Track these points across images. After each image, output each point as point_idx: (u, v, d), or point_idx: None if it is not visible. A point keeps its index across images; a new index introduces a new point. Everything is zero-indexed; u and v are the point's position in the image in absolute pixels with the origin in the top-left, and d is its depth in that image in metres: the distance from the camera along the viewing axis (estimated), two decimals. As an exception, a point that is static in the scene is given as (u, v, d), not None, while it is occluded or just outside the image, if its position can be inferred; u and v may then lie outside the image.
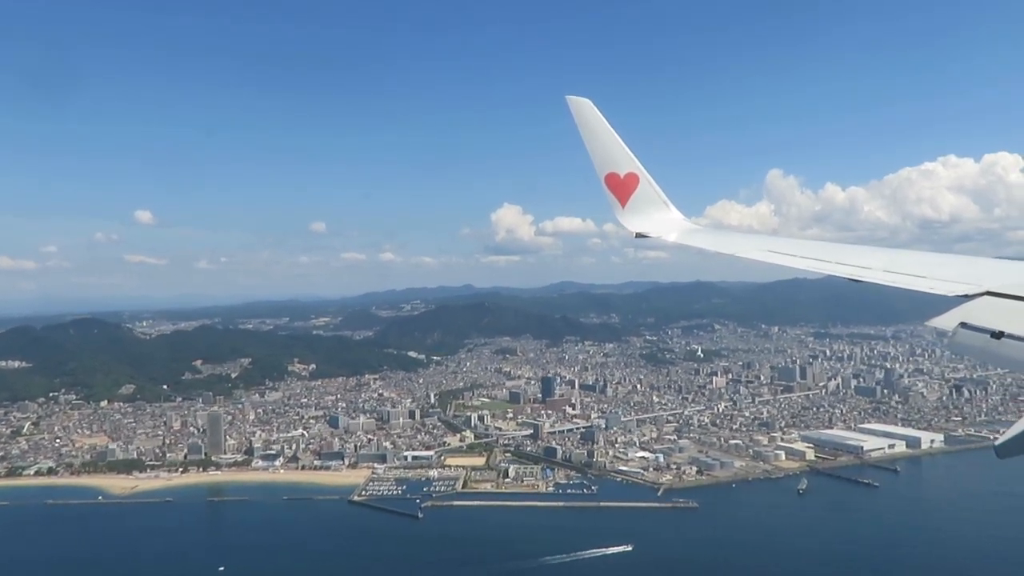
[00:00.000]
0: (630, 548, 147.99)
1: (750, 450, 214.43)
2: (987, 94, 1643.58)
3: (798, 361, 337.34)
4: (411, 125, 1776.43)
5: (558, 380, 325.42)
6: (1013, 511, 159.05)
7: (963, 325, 10.40)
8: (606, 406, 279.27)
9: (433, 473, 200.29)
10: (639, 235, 22.31)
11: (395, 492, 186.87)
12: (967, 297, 11.61)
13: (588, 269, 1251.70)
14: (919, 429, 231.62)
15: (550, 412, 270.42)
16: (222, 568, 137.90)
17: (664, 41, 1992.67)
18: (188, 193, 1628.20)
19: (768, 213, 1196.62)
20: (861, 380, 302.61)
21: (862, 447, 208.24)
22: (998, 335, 9.75)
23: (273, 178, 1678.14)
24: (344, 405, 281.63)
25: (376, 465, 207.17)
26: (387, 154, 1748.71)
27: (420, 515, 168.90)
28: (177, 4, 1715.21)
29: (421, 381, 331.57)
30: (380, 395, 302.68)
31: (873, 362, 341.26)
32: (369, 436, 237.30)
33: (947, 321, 10.73)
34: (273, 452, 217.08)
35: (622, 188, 22.54)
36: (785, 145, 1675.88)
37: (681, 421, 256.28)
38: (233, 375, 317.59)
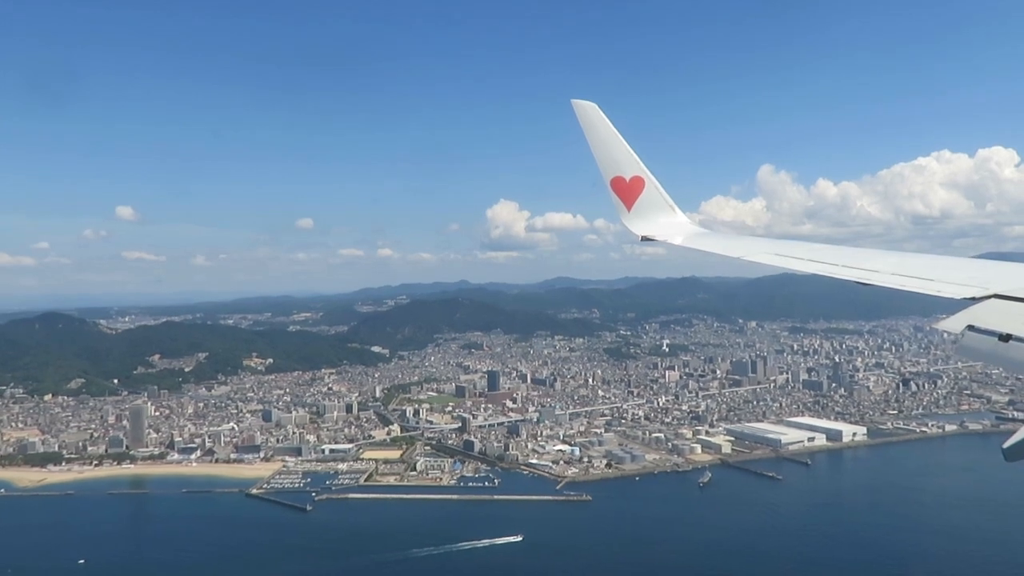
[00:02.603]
0: (520, 539, 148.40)
1: (669, 443, 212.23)
2: (984, 90, 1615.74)
3: (762, 355, 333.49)
4: (408, 122, 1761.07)
5: (513, 374, 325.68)
6: (900, 503, 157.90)
7: (971, 328, 10.39)
8: (549, 400, 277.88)
9: (343, 466, 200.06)
10: (645, 239, 22.27)
11: (297, 485, 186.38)
12: (974, 300, 11.53)
13: (587, 265, 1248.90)
14: (850, 422, 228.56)
15: (490, 406, 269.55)
16: (82, 561, 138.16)
17: (655, 39, 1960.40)
18: (185, 190, 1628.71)
19: (762, 209, 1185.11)
20: (814, 374, 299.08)
21: (780, 440, 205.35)
22: (1006, 338, 9.76)
23: (271, 175, 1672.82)
24: (289, 399, 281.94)
25: (288, 458, 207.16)
26: (385, 151, 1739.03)
27: (309, 508, 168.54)
28: (169, 1, 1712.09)
29: (378, 375, 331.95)
30: (330, 389, 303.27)
31: (839, 356, 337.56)
32: (298, 430, 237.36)
33: (955, 324, 10.71)
34: (193, 446, 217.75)
35: (628, 192, 22.51)
36: (778, 141, 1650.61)
37: (616, 415, 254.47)
38: (186, 369, 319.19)
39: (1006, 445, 8.32)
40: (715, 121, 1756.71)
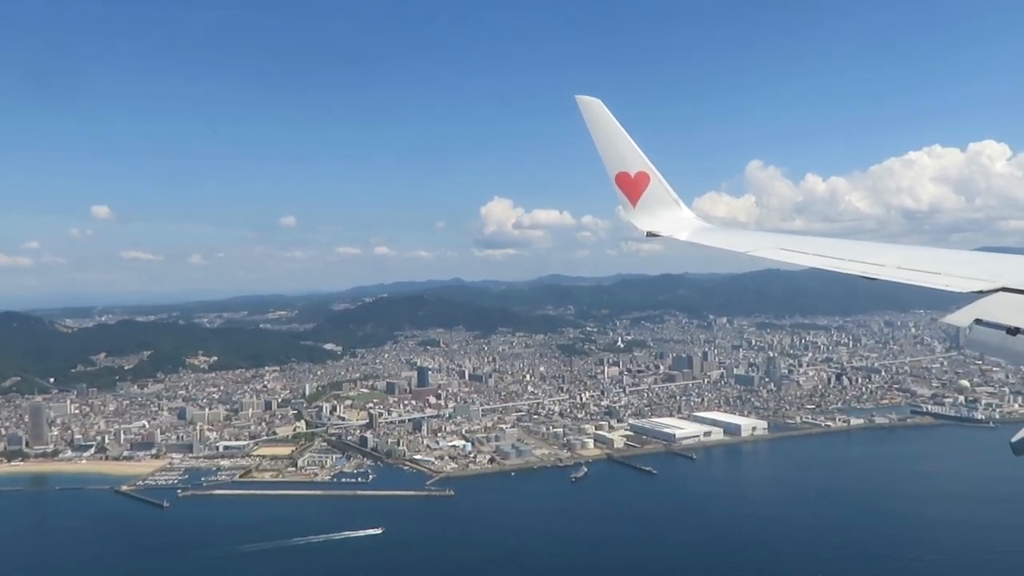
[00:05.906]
0: (380, 531, 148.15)
1: (565, 439, 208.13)
2: (977, 85, 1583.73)
3: (703, 351, 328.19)
4: (404, 119, 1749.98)
5: (453, 370, 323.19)
6: (760, 495, 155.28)
7: (978, 322, 10.26)
8: (477, 395, 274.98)
9: (226, 463, 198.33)
10: (650, 234, 22.28)
11: (172, 482, 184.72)
12: (982, 293, 11.37)
13: (582, 262, 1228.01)
14: (763, 417, 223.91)
15: (413, 402, 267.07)
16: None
17: (644, 36, 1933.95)
18: (181, 188, 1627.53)
19: (752, 204, 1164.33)
20: (752, 369, 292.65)
21: (674, 435, 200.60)
22: (1014, 331, 9.62)
23: (269, 173, 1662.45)
24: (217, 397, 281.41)
25: (175, 455, 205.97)
26: (380, 148, 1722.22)
27: (166, 505, 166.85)
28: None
29: (321, 373, 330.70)
30: (264, 387, 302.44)
31: (794, 351, 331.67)
32: (206, 427, 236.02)
33: (962, 317, 10.53)
34: (89, 443, 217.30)
35: (633, 187, 22.51)
36: (767, 136, 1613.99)
37: (534, 410, 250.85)
38: (127, 368, 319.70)
39: (1014, 439, 8.23)
40: (705, 117, 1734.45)
